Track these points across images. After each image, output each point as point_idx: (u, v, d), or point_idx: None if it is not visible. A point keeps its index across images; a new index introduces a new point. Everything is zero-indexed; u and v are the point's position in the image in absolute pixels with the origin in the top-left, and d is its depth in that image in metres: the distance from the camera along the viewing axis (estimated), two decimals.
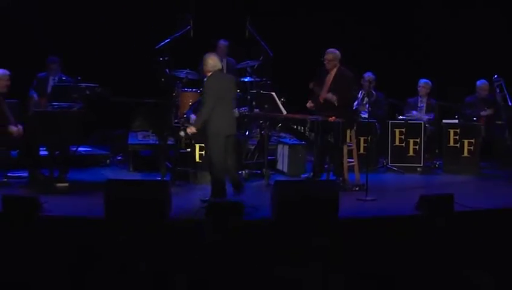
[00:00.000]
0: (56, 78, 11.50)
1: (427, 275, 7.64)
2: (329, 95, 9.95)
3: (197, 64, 12.27)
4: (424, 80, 11.98)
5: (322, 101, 10.14)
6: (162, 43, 11.40)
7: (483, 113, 11.77)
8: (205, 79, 9.01)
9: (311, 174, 10.27)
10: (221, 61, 12.10)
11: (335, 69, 10.14)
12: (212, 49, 12.17)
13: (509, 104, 11.61)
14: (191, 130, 8.92)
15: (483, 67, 12.19)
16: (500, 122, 11.78)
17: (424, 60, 12.90)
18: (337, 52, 10.17)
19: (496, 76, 11.72)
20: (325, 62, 10.18)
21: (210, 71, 8.91)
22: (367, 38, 13.22)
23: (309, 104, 10.30)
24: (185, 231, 7.71)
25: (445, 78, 12.38)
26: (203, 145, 10.30)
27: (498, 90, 11.69)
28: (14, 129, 9.68)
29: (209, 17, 12.62)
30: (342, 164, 10.06)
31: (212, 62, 8.93)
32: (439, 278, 7.65)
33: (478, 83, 11.97)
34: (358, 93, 11.90)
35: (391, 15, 13.33)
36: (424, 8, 13.18)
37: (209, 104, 8.76)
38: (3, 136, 9.72)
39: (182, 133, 9.31)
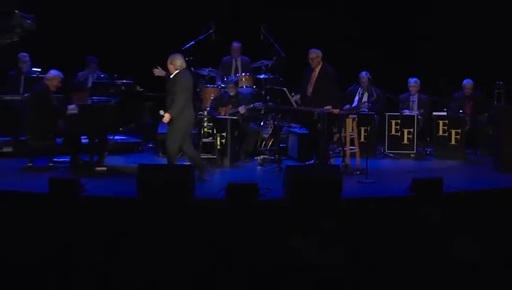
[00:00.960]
0: (95, 76, 11.50)
1: (418, 248, 7.60)
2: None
3: (218, 63, 12.30)
4: (414, 79, 11.86)
5: (309, 95, 10.34)
6: (188, 45, 11.53)
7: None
8: (171, 76, 9.03)
9: (316, 162, 10.18)
10: (236, 60, 12.20)
11: (319, 66, 10.34)
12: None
13: None
14: (167, 118, 8.90)
15: (475, 66, 12.09)
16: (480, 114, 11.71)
17: (420, 59, 12.78)
18: (319, 51, 10.37)
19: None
20: (310, 61, 10.36)
21: (178, 69, 9.01)
22: (366, 39, 13.11)
23: (295, 98, 10.36)
24: (207, 210, 7.68)
25: (440, 75, 12.31)
26: (223, 134, 10.30)
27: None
28: (73, 106, 9.80)
29: (229, 22, 12.58)
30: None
31: (179, 62, 9.06)
32: (429, 250, 7.60)
33: (464, 82, 11.85)
34: (357, 90, 11.85)
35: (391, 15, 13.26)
36: (421, 9, 13.07)
37: (183, 96, 8.90)
38: (51, 126, 9.75)
39: (161, 112, 9.20)
